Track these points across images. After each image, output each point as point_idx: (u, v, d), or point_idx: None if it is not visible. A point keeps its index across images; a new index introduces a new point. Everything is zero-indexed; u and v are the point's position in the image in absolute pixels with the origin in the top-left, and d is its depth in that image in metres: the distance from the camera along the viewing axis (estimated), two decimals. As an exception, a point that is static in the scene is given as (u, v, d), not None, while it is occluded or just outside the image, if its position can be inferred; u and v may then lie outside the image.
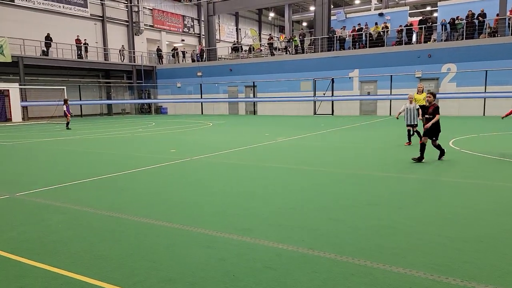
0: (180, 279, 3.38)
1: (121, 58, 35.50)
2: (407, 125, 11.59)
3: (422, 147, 8.72)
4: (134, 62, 36.50)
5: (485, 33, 23.80)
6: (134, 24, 37.65)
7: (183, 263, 3.68)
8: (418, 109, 11.42)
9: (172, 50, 37.81)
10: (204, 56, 34.88)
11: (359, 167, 8.43)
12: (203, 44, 37.76)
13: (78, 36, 31.84)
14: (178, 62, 36.97)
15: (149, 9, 39.59)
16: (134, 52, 37.03)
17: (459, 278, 3.25)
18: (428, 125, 8.52)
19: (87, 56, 32.34)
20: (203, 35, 41.75)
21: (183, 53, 37.26)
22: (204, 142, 13.27)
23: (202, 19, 39.51)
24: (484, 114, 22.92)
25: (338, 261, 3.65)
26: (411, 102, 11.58)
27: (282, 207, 5.50)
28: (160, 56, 37.39)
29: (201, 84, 33.51)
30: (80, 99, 32.02)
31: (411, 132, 11.66)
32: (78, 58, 31.49)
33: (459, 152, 10.12)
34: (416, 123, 11.45)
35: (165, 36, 41.39)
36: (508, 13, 23.16)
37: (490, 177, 7.14)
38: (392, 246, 3.99)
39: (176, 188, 6.88)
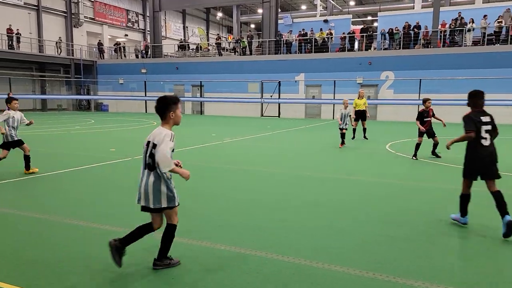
0: (117, 279, 3.19)
1: (58, 51, 33.45)
2: (341, 129, 11.94)
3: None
4: (73, 55, 34.57)
5: (420, 44, 25.40)
6: (73, 16, 35.68)
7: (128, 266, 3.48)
8: (350, 115, 12.10)
9: (114, 45, 36.32)
10: (149, 53, 33.89)
11: (303, 168, 8.58)
12: (148, 40, 36.68)
13: (10, 25, 29.56)
14: (121, 58, 35.59)
15: (90, 0, 37.75)
16: (72, 45, 35.08)
17: (398, 276, 3.38)
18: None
19: (19, 47, 30.11)
20: (148, 31, 40.54)
21: (124, 48, 35.91)
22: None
23: (148, 14, 38.37)
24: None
25: (280, 261, 3.65)
26: (346, 107, 11.97)
27: (225, 207, 5.43)
28: (101, 51, 35.76)
29: (145, 81, 32.51)
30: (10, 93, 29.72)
31: (343, 135, 12.00)
32: (9, 49, 29.22)
33: (395, 155, 10.65)
34: (346, 127, 11.92)
35: (107, 30, 39.69)
36: (440, 26, 24.90)
37: (422, 179, 7.58)
38: (336, 245, 4.07)
39: (114, 188, 6.57)
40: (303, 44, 28.61)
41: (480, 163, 4.56)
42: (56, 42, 33.38)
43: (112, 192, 6.32)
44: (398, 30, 25.86)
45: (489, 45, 23.40)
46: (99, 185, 6.76)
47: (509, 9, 24.04)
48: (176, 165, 3.35)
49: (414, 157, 9.77)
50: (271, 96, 28.37)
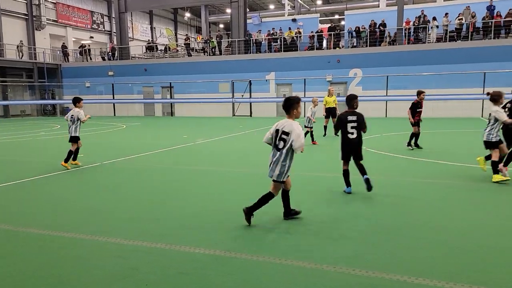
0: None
1: (19, 55, 32.21)
2: (306, 127, 12.05)
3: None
4: (35, 59, 33.38)
5: (386, 42, 26.03)
6: (34, 18, 34.43)
7: (91, 276, 3.39)
8: (314, 113, 12.37)
9: (79, 48, 35.33)
10: (116, 55, 33.17)
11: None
12: (115, 42, 35.89)
13: (-34, 28, 28.26)
14: (87, 60, 34.66)
15: (52, 2, 36.54)
16: (35, 49, 33.87)
17: (364, 269, 3.45)
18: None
19: (-23, 51, 28.85)
20: (114, 32, 39.68)
21: (89, 51, 34.98)
22: (116, 146, 12.56)
23: (113, 15, 37.54)
24: (386, 116, 25.03)
25: (254, 261, 3.66)
26: (315, 106, 12.14)
27: (199, 210, 5.38)
28: (65, 54, 34.69)
29: (113, 84, 31.80)
30: (-30, 99, 28.41)
31: (311, 133, 12.25)
32: (-34, 53, 27.93)
33: (365, 150, 10.85)
34: (312, 125, 12.19)
35: (71, 32, 38.56)
36: (404, 24, 25.60)
37: (391, 173, 7.78)
38: (307, 243, 4.10)
39: (84, 195, 6.38)
40: (272, 43, 28.76)
41: (349, 149, 6.09)
42: (17, 46, 32.11)
43: (84, 198, 6.14)
44: (364, 28, 26.41)
45: (451, 41, 24.27)
46: (64, 193, 6.56)
47: (468, 6, 25.00)
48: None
49: (409, 146, 10.60)
50: (242, 95, 28.37)
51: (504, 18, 23.28)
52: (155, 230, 4.58)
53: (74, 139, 8.82)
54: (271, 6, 48.75)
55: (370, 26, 26.29)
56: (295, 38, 28.18)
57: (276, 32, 28.98)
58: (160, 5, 35.29)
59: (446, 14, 24.78)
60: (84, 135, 16.20)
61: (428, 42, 24.98)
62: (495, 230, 4.46)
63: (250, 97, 28.24)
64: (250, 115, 28.37)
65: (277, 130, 4.58)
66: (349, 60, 25.72)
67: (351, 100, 6.13)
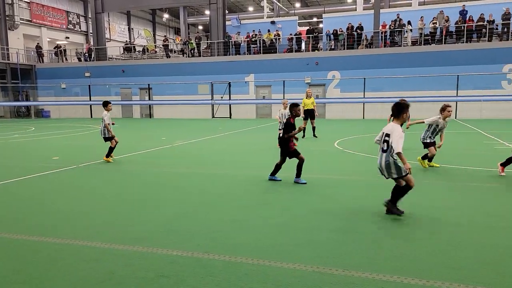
0: None
1: (-9, 55, 31.28)
2: (280, 129, 11.93)
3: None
4: (8, 59, 32.43)
5: (363, 44, 26.49)
6: (7, 18, 33.47)
7: (67, 281, 3.34)
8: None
9: (54, 48, 34.55)
10: (93, 56, 32.60)
11: (253, 168, 8.66)
12: (91, 43, 35.26)
13: None
14: (62, 61, 33.92)
15: (26, 2, 35.63)
16: (8, 49, 32.93)
17: (340, 268, 3.51)
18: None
19: None
20: (91, 33, 38.97)
21: (65, 51, 34.26)
22: (92, 148, 12.34)
23: (90, 16, 36.87)
24: (363, 117, 25.44)
25: (233, 262, 3.67)
26: (285, 108, 12.03)
27: (177, 212, 5.36)
28: (40, 54, 33.86)
29: (89, 85, 31.22)
30: None
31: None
32: None
33: (342, 151, 11.03)
34: None
35: (46, 33, 37.67)
36: (380, 27, 26.11)
37: (368, 174, 7.92)
38: (284, 243, 4.14)
39: (59, 198, 6.26)
40: (251, 45, 28.85)
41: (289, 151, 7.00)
42: (-11, 46, 31.19)
43: (59, 201, 6.02)
44: (342, 31, 26.79)
45: (425, 45, 24.89)
46: (38, 196, 6.41)
47: (442, 11, 25.71)
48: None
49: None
50: (221, 97, 28.32)
51: (476, 22, 24.04)
52: (133, 233, 4.53)
53: (107, 139, 9.73)
54: (250, 8, 48.89)
55: (347, 29, 26.69)
56: (274, 40, 28.34)
57: (256, 34, 29.09)
58: (138, 5, 34.88)
59: (422, 18, 25.40)
60: (60, 137, 15.88)
61: (403, 45, 25.54)
62: (480, 226, 4.61)
63: (230, 98, 28.23)
64: (230, 117, 28.35)
65: (383, 133, 5.00)
66: (327, 62, 26.04)
67: (293, 107, 6.97)
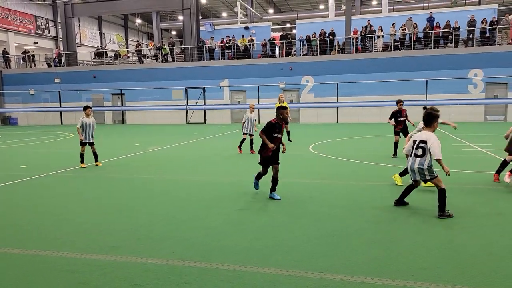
0: None
1: (-45, 60, 30.00)
2: (245, 134, 11.83)
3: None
4: (-27, 65, 31.25)
5: (335, 50, 26.97)
6: (-28, 22, 32.27)
7: (35, 294, 3.23)
8: (255, 120, 12.13)
9: (22, 53, 33.49)
10: (63, 61, 31.80)
11: (228, 174, 8.65)
12: (61, 48, 34.40)
13: None
14: (31, 67, 32.93)
15: (-8, 5, 34.45)
16: (-27, 54, 31.70)
17: (316, 272, 3.55)
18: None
19: None
20: (60, 38, 38.03)
21: (33, 57, 33.27)
22: (63, 156, 12.02)
23: (59, 21, 35.99)
24: (337, 121, 25.86)
25: (209, 268, 3.66)
26: (251, 112, 12.04)
27: (151, 219, 5.29)
28: (7, 60, 32.75)
29: (59, 92, 30.42)
30: None
31: (251, 141, 11.86)
32: None
33: (317, 155, 11.18)
34: (253, 132, 11.86)
35: (13, 38, 36.47)
36: (352, 34, 26.68)
37: (343, 178, 8.06)
38: (260, 247, 4.16)
39: (29, 208, 6.06)
40: (225, 50, 28.88)
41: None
42: (-48, 51, 29.91)
43: (29, 211, 5.82)
44: (315, 37, 27.21)
45: (395, 50, 25.59)
46: (7, 206, 6.19)
47: (410, 17, 26.51)
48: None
49: (393, 156, 10.34)
50: (196, 102, 28.17)
51: (443, 29, 24.91)
52: (107, 241, 4.45)
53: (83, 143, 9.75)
54: (224, 14, 48.98)
55: (320, 35, 27.13)
56: (248, 45, 28.47)
57: (230, 40, 29.15)
58: (110, 10, 34.31)
59: (393, 24, 26.11)
60: (28, 145, 15.38)
61: (374, 51, 26.17)
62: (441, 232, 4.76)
63: (204, 104, 28.12)
64: (205, 122, 28.22)
65: (414, 141, 5.34)
66: (301, 67, 26.36)
67: (280, 110, 6.19)
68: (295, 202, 6.11)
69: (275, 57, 28.21)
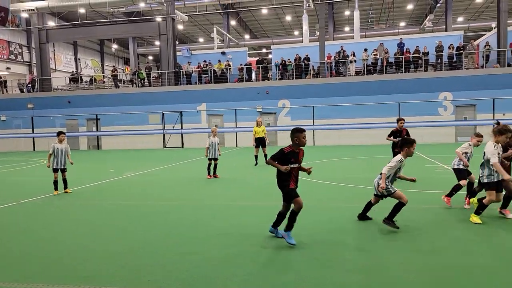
0: None
1: None
2: (210, 159, 11.53)
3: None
4: None
5: (310, 74, 27.57)
6: None
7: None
8: (219, 144, 11.90)
9: (-6, 79, 32.74)
10: (36, 87, 31.24)
11: (204, 198, 8.57)
12: (35, 73, 33.85)
13: None
14: (2, 93, 32.17)
15: (-38, 30, 33.77)
16: None
17: None
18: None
19: None
20: (34, 63, 37.48)
21: (5, 82, 32.57)
22: (35, 184, 11.65)
23: (33, 46, 35.55)
24: (314, 144, 26.17)
25: (187, 296, 3.57)
26: (214, 136, 11.82)
27: (126, 247, 5.15)
28: (-22, 85, 31.91)
29: (32, 117, 29.73)
30: None
31: (215, 166, 11.67)
32: None
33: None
34: (217, 157, 11.65)
35: (-15, 63, 35.73)
36: (326, 58, 27.41)
37: (313, 198, 8.10)
38: (243, 276, 4.10)
39: (-3, 239, 5.80)
40: (202, 75, 29.09)
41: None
42: None
43: (-7, 243, 5.57)
44: (290, 61, 27.79)
45: (368, 75, 26.39)
46: (-24, 237, 5.91)
47: (382, 43, 27.51)
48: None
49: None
50: (173, 127, 28.04)
51: (412, 54, 25.92)
52: (81, 271, 4.29)
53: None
54: (201, 39, 49.60)
55: (295, 59, 27.74)
56: (225, 70, 28.79)
57: (207, 64, 29.42)
58: (85, 36, 34.18)
59: (365, 49, 27.00)
60: (-2, 173, 14.85)
61: (348, 75, 26.89)
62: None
63: (182, 128, 28.01)
64: (182, 146, 28.03)
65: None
66: (278, 91, 26.76)
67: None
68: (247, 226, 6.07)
69: (252, 81, 28.58)
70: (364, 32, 38.09)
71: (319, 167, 13.78)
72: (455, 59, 25.28)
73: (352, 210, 6.59)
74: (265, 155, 14.71)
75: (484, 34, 31.10)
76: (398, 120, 10.42)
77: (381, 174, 5.63)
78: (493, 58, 24.91)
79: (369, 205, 6.08)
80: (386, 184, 5.54)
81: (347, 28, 42.49)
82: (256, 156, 14.65)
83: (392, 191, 5.56)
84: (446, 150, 18.76)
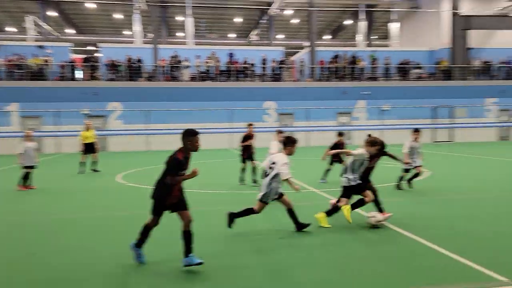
0: None
1: None
2: (25, 167, 10.08)
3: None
4: None
5: (144, 77, 26.59)
6: None
7: None
8: (37, 149, 10.52)
9: None
10: None
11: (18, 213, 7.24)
12: None
13: None
14: None
15: None
16: None
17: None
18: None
19: None
20: None
21: None
22: None
23: None
24: (149, 149, 25.24)
25: None
26: (29, 141, 10.29)
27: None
28: None
29: None
30: None
31: (27, 174, 10.09)
32: None
33: (127, 186, 10.54)
34: (34, 164, 10.22)
35: None
36: (160, 62, 26.90)
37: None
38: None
39: None
40: (14, 70, 24.91)
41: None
42: None
43: None
44: (120, 62, 26.27)
45: (202, 81, 27.01)
46: None
47: (214, 52, 28.50)
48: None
49: (240, 183, 10.26)
50: (-27, 130, 23.11)
51: (243, 64, 27.70)
52: None
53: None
54: (11, 29, 42.55)
55: (127, 60, 26.37)
56: (43, 66, 25.30)
57: (20, 58, 25.31)
58: None
59: (198, 56, 27.49)
60: None
61: (182, 80, 26.97)
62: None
63: (-14, 131, 23.34)
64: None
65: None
66: (108, 93, 24.94)
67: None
68: (106, 239, 5.48)
69: (77, 80, 25.89)
70: (197, 39, 38.98)
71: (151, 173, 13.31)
72: (277, 72, 28.09)
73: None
74: (94, 162, 13.44)
75: (299, 51, 35.60)
76: (248, 125, 10.87)
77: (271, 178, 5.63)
78: (307, 73, 28.64)
79: (248, 211, 5.75)
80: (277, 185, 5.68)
81: (181, 34, 42.70)
82: (83, 163, 13.23)
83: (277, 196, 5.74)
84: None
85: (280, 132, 9.29)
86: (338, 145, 10.28)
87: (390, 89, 27.46)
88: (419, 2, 33.51)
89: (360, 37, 35.88)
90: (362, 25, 35.51)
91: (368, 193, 6.07)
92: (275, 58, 28.38)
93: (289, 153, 5.78)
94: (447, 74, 28.59)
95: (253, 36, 40.44)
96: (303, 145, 26.42)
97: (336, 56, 28.63)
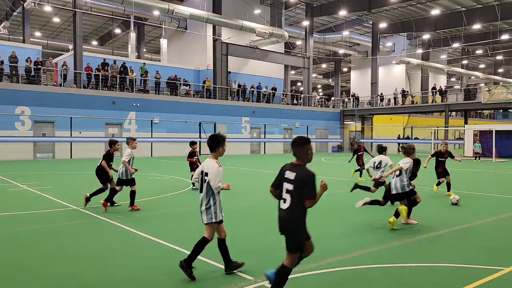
0: None
1: None
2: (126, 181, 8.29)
3: None
4: None
5: None
6: None
7: None
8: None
9: None
10: None
11: None
12: None
13: None
14: None
15: None
16: None
17: None
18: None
19: None
20: None
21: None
22: None
23: None
24: None
25: None
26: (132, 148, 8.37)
27: None
28: None
29: None
30: None
31: None
32: None
33: None
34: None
35: None
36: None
37: None
38: None
39: None
40: None
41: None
42: None
43: None
44: None
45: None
46: None
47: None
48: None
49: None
50: None
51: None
52: None
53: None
54: None
55: None
56: None
57: None
58: None
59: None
60: None
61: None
62: None
63: None
64: None
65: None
66: None
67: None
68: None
69: None
70: None
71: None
72: (33, 73, 24.29)
73: None
74: None
75: (63, 54, 32.14)
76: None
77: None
78: (71, 78, 25.91)
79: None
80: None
81: None
82: None
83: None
84: (24, 168, 17.55)
85: (132, 139, 8.06)
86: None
87: (160, 102, 27.93)
88: (187, 23, 35.62)
89: (130, 48, 35.26)
90: (133, 36, 35.06)
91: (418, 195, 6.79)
92: (30, 57, 24.50)
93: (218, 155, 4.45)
94: (211, 93, 31.33)
95: (2, 29, 34.01)
96: (67, 157, 23.73)
97: (105, 64, 27.09)
